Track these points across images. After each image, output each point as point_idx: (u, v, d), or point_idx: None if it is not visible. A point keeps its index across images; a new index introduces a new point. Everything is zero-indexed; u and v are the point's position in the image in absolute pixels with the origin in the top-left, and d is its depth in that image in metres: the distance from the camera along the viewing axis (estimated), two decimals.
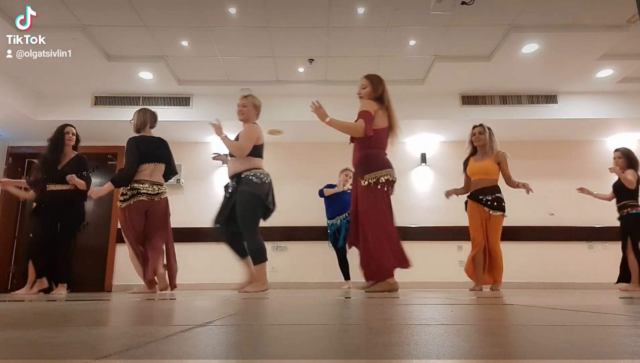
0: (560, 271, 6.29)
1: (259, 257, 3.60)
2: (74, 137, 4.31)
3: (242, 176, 3.60)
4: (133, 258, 3.91)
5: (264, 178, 3.67)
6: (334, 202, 5.53)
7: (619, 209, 4.84)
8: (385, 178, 3.29)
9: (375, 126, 3.35)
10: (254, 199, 3.56)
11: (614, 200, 4.94)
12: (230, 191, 3.68)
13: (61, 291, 4.04)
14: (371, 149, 3.36)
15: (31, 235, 4.30)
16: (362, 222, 3.25)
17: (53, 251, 3.99)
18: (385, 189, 3.31)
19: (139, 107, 6.17)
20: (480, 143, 4.40)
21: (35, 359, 0.59)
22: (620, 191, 4.82)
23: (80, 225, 4.27)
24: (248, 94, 3.92)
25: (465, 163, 4.53)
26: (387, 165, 3.37)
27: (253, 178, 3.59)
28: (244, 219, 3.57)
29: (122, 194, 3.89)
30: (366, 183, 3.27)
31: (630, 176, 4.72)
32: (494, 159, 4.32)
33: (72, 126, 4.35)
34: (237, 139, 3.75)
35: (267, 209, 3.73)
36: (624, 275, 4.77)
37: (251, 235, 3.59)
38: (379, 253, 3.18)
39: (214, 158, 4.06)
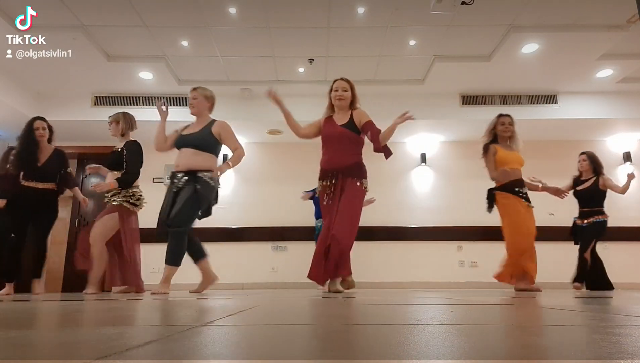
0: (560, 271, 6.29)
1: (175, 260, 3.34)
2: (46, 131, 4.12)
3: (199, 174, 3.39)
4: (104, 260, 3.81)
5: (217, 182, 3.53)
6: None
7: (588, 215, 4.84)
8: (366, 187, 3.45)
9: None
10: (203, 201, 3.40)
11: (575, 202, 4.94)
12: (179, 185, 3.40)
13: (38, 289, 3.98)
14: (361, 156, 3.47)
15: None
16: (347, 211, 3.22)
17: (20, 250, 3.88)
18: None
19: (139, 107, 6.20)
20: (508, 134, 4.20)
21: (35, 359, 0.59)
22: (591, 197, 4.83)
23: (55, 221, 4.15)
24: (197, 86, 3.68)
25: (487, 149, 4.12)
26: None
27: (210, 181, 3.42)
28: (184, 216, 3.34)
29: (130, 196, 3.86)
30: (364, 187, 3.39)
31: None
32: (518, 152, 4.20)
33: (42, 119, 4.17)
34: (202, 133, 3.53)
35: (205, 213, 3.58)
36: (581, 275, 4.83)
37: (182, 234, 3.35)
38: (349, 248, 3.26)
39: (161, 107, 3.72)
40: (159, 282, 3.37)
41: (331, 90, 3.57)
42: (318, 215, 5.49)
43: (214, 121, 3.61)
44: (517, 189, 4.02)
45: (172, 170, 3.54)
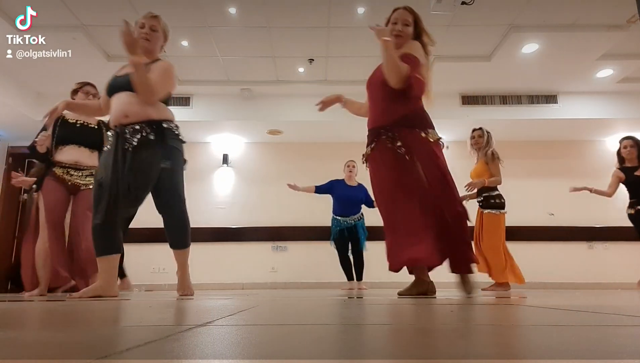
0: (560, 271, 6.29)
1: (189, 240, 2.71)
2: None
3: (164, 125, 2.51)
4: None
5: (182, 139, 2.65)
6: (347, 198, 5.30)
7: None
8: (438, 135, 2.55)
9: (424, 76, 2.58)
10: (181, 161, 2.62)
11: (615, 196, 4.84)
12: (134, 143, 2.39)
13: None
14: (418, 103, 2.60)
15: None
16: (449, 184, 2.44)
17: None
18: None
19: None
20: (477, 147, 4.43)
21: (35, 359, 0.59)
22: (637, 186, 4.53)
23: None
24: (156, 14, 2.81)
25: None
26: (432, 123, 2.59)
27: (175, 129, 2.59)
28: (180, 188, 2.60)
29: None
30: (435, 138, 2.53)
31: None
32: (483, 160, 4.34)
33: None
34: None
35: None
36: None
37: (184, 208, 2.63)
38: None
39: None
40: (185, 280, 2.83)
41: (388, 22, 2.66)
42: (339, 212, 5.33)
43: (158, 60, 2.74)
44: (477, 200, 4.36)
45: (114, 123, 2.53)
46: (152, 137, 2.44)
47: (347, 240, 5.29)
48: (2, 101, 5.40)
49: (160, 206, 2.60)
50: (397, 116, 2.49)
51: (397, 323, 1.07)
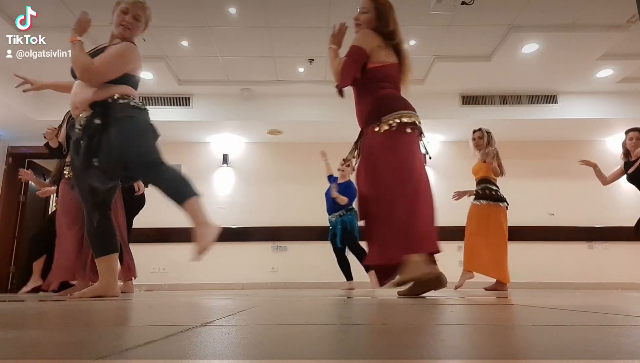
0: (560, 271, 6.30)
1: (191, 190, 2.24)
2: None
3: (110, 100, 2.33)
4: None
5: (144, 106, 2.46)
6: (326, 195, 5.33)
7: None
8: (412, 120, 2.32)
9: (377, 62, 2.42)
10: (145, 124, 2.37)
11: (615, 196, 4.81)
12: (91, 129, 2.28)
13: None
14: (383, 90, 2.40)
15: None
16: (375, 181, 2.30)
17: None
18: (415, 135, 2.35)
19: None
20: (478, 148, 4.43)
21: (35, 359, 0.59)
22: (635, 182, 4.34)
23: None
24: (145, 4, 2.73)
25: None
26: (407, 106, 2.39)
27: (131, 101, 2.37)
28: (140, 146, 2.28)
29: None
30: (385, 127, 2.28)
31: None
32: (481, 158, 4.37)
33: None
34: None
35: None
36: None
37: (159, 165, 2.26)
38: (405, 219, 2.20)
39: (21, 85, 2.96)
40: (205, 222, 2.24)
41: None
42: (327, 211, 5.36)
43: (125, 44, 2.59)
44: (475, 190, 4.41)
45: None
46: (98, 121, 2.28)
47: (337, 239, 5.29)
48: (2, 101, 5.39)
49: (133, 177, 2.56)
50: (364, 118, 2.43)
51: (396, 323, 1.07)
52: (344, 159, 5.31)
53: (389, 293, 2.84)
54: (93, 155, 2.27)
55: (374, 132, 2.31)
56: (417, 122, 2.36)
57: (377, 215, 2.28)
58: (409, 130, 2.29)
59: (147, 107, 2.51)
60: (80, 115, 2.36)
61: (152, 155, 2.29)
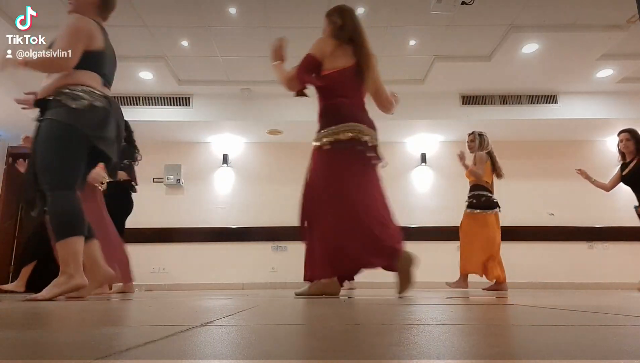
0: (560, 271, 6.30)
1: (67, 229, 2.07)
2: None
3: (51, 98, 2.20)
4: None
5: (88, 97, 2.18)
6: None
7: None
8: (348, 134, 2.27)
9: (330, 69, 2.46)
10: (60, 129, 2.12)
11: (616, 196, 4.84)
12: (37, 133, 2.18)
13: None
14: (326, 100, 2.44)
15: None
16: (306, 194, 2.47)
17: None
18: (351, 153, 2.29)
19: (139, 107, 6.20)
20: (472, 151, 4.51)
21: (35, 359, 0.59)
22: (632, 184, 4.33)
23: None
24: None
25: None
26: (351, 118, 2.33)
27: (67, 99, 2.15)
28: (44, 160, 2.12)
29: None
30: (317, 143, 2.34)
31: None
32: (472, 162, 4.45)
33: None
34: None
35: (99, 152, 2.21)
36: None
37: (57, 187, 2.10)
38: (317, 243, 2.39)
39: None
40: (70, 273, 2.07)
41: None
42: None
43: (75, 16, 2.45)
44: (466, 202, 4.46)
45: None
46: (41, 118, 2.20)
47: None
48: (2, 101, 5.40)
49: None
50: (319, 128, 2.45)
51: (395, 323, 1.07)
52: None
53: (390, 293, 2.85)
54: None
55: (313, 145, 2.41)
56: (357, 136, 2.30)
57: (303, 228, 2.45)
58: (340, 148, 2.29)
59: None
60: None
61: (51, 174, 2.10)
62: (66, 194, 2.11)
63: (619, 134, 4.43)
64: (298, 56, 2.73)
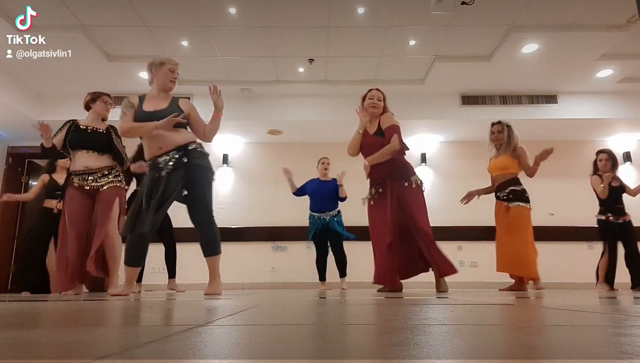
0: (560, 271, 6.29)
1: (219, 246, 3.18)
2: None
3: (190, 148, 3.07)
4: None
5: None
6: (322, 193, 5.35)
7: (620, 212, 4.84)
8: (420, 181, 3.55)
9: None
10: (211, 175, 3.16)
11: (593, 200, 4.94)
12: (169, 167, 2.94)
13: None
14: (403, 156, 3.48)
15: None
16: (417, 222, 3.49)
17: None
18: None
19: None
20: (499, 143, 4.16)
21: (35, 359, 0.59)
22: (618, 195, 4.87)
23: None
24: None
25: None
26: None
27: (202, 150, 3.19)
28: (209, 199, 3.06)
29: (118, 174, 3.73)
30: (415, 184, 3.49)
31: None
32: (511, 154, 4.10)
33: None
34: (175, 108, 3.24)
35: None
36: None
37: (213, 219, 3.09)
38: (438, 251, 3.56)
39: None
40: (214, 282, 3.17)
41: (364, 99, 3.58)
42: (316, 208, 5.44)
43: (175, 97, 3.39)
44: (497, 194, 4.14)
45: (150, 156, 3.02)
46: (185, 160, 3.11)
47: (326, 238, 5.29)
48: (2, 101, 5.40)
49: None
50: (387, 171, 3.53)
51: (395, 323, 1.07)
52: (325, 158, 5.53)
53: (389, 293, 2.87)
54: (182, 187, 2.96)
55: (407, 186, 3.45)
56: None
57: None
58: (422, 189, 3.61)
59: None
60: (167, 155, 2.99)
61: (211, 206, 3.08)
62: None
63: (597, 153, 4.87)
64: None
